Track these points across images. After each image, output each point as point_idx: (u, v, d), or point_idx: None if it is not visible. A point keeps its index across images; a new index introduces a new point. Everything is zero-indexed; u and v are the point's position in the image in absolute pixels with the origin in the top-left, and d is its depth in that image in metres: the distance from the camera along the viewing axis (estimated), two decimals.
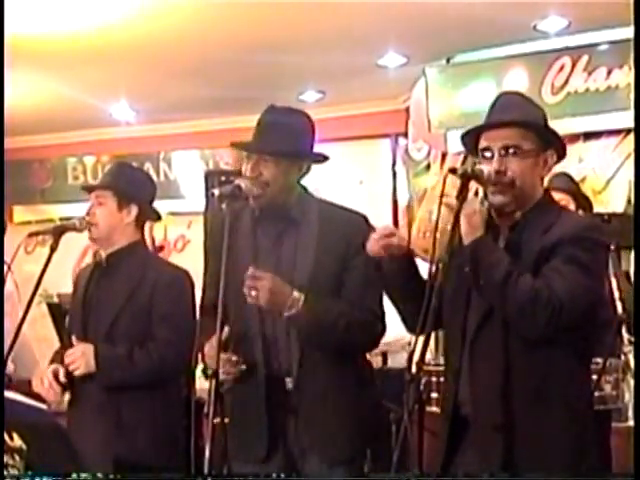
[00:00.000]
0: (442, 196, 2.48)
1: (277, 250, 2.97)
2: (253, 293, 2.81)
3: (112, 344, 3.45)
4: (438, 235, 2.47)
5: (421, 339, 2.41)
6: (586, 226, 2.60)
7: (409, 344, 5.74)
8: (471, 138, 2.66)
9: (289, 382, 2.91)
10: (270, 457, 2.91)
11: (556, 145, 2.65)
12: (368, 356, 4.18)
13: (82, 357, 3.39)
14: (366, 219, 3.00)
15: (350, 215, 3.02)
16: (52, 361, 3.56)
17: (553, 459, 2.49)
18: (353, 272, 2.92)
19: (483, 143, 2.61)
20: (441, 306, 2.54)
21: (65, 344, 3.63)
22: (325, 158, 3.03)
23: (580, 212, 4.56)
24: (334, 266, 2.92)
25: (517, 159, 2.56)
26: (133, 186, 3.57)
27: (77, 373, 3.41)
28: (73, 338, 3.50)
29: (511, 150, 2.56)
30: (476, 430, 2.56)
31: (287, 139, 2.91)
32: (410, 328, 2.83)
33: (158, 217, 3.75)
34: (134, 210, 3.55)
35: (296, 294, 2.84)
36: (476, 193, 2.59)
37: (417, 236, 2.65)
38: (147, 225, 3.76)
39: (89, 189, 3.63)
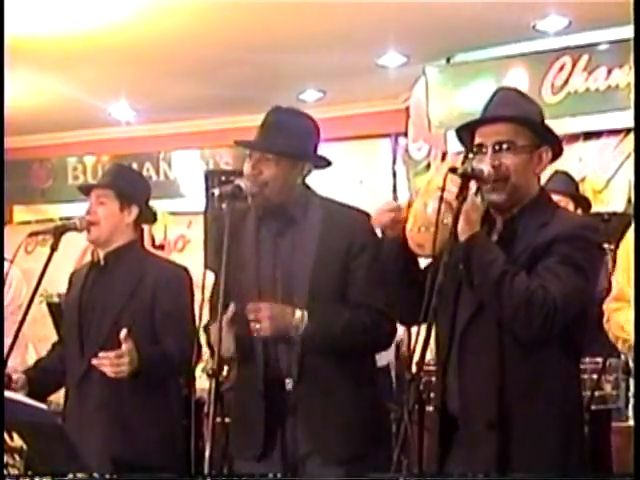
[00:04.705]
0: (443, 189, 2.43)
1: (276, 250, 2.93)
2: (257, 326, 2.80)
3: (114, 344, 3.43)
4: (438, 228, 2.41)
5: (421, 339, 2.40)
6: (582, 225, 2.60)
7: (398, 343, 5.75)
8: (467, 134, 2.66)
9: (288, 383, 2.88)
10: (266, 455, 2.89)
11: (551, 142, 2.64)
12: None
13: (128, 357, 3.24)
14: (369, 217, 2.97)
15: (353, 213, 2.97)
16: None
17: (539, 457, 2.48)
18: (358, 272, 2.86)
19: (477, 139, 2.61)
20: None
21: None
22: (328, 163, 3.00)
23: (579, 212, 4.56)
24: (336, 265, 2.87)
25: (510, 155, 2.55)
26: (133, 187, 3.58)
27: (122, 374, 3.23)
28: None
29: (504, 146, 2.55)
30: (465, 427, 2.55)
31: (291, 140, 2.89)
32: (406, 320, 2.85)
33: (155, 219, 3.77)
34: (135, 211, 3.55)
35: (298, 313, 2.82)
36: (477, 191, 2.55)
37: (412, 230, 2.55)
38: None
39: (88, 188, 3.62)
